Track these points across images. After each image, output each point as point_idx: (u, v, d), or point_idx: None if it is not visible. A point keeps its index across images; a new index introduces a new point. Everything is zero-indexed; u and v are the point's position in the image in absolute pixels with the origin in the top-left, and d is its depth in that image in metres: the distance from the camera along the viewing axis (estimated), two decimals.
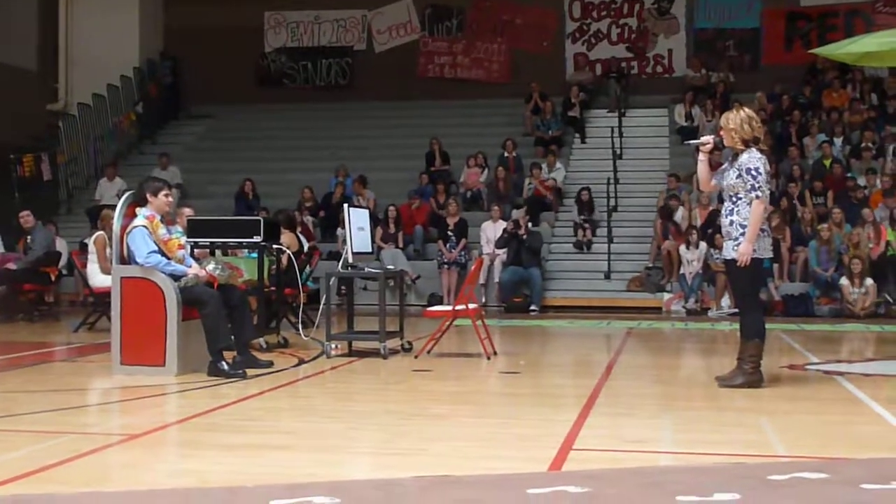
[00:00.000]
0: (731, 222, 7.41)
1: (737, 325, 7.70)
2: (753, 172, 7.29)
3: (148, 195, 8.23)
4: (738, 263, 7.33)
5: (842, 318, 15.21)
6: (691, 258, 16.41)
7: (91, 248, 12.66)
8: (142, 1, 23.77)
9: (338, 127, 22.96)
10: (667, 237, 17.05)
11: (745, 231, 7.30)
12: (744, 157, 7.39)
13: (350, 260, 9.45)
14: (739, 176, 7.34)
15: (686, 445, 5.60)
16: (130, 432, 5.81)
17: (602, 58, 23.28)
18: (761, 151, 7.45)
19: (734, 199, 7.40)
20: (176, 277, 8.06)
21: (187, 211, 10.66)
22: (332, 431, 5.98)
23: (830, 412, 6.73)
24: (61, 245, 16.77)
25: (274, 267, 10.58)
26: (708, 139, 7.72)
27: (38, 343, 11.41)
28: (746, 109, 7.66)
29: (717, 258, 14.90)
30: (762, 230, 7.38)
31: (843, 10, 22.32)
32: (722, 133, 7.56)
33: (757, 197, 7.27)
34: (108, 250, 11.99)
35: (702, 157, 7.74)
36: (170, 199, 8.38)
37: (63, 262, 16.20)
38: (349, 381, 8.36)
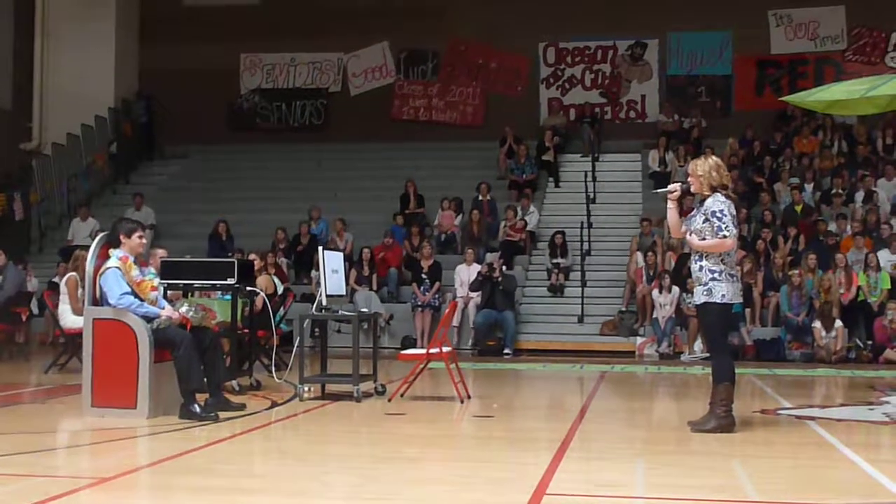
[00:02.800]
0: (701, 267, 7.48)
1: (709, 370, 7.74)
2: (718, 214, 7.38)
3: (121, 236, 8.21)
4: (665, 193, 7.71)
5: (813, 362, 15.29)
6: (664, 302, 16.48)
7: (63, 288, 12.59)
8: (117, 41, 23.79)
9: (312, 168, 23.00)
10: (650, 282, 17.01)
11: (714, 276, 7.37)
12: (708, 202, 7.49)
13: (324, 302, 9.44)
14: (706, 220, 7.43)
15: (658, 490, 5.60)
16: (101, 475, 5.76)
17: (576, 103, 23.46)
18: (727, 196, 7.54)
19: None
20: (149, 319, 8.03)
21: (161, 252, 10.64)
22: (304, 475, 5.95)
23: (802, 457, 6.76)
24: (33, 285, 16.66)
25: (247, 309, 10.55)
26: (675, 187, 7.83)
27: (7, 384, 11.31)
28: (714, 157, 7.80)
29: (690, 303, 14.97)
30: (732, 275, 7.44)
31: (812, 57, 22.62)
32: (690, 180, 7.65)
33: (724, 237, 7.35)
34: (79, 291, 11.94)
35: (671, 204, 7.84)
36: (143, 240, 8.36)
37: (34, 301, 16.09)
38: (322, 424, 8.33)
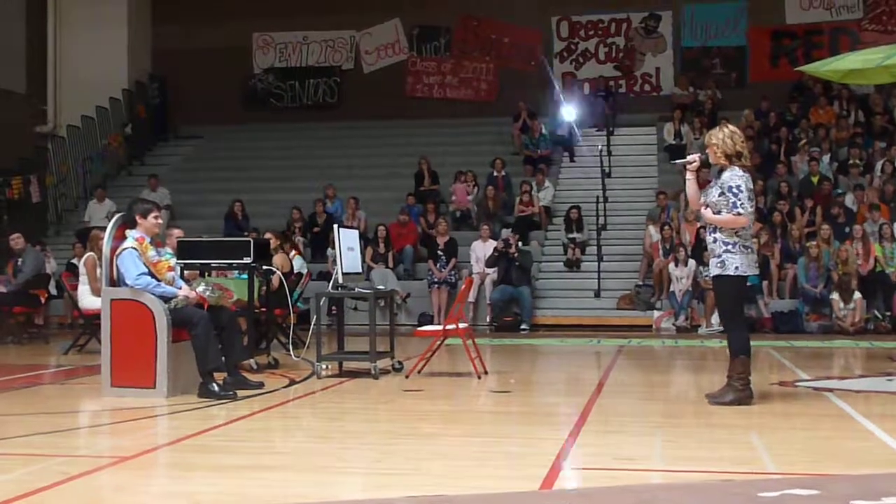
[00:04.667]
0: (715, 239, 7.45)
1: (727, 342, 7.71)
2: (735, 190, 7.33)
3: (137, 217, 8.22)
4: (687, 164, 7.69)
5: (831, 334, 15.25)
6: (680, 275, 16.44)
7: (81, 269, 12.66)
8: (130, 22, 23.80)
9: (326, 147, 23.01)
10: (667, 255, 16.94)
11: (727, 248, 7.33)
12: (725, 175, 7.43)
13: (340, 280, 9.45)
14: (722, 193, 7.38)
15: (677, 463, 5.60)
16: (121, 454, 5.80)
17: (590, 77, 23.37)
18: (745, 168, 7.48)
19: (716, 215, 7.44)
20: (166, 299, 8.05)
21: (177, 232, 10.66)
22: (323, 452, 5.97)
23: (820, 428, 6.75)
24: (51, 266, 16.72)
25: (264, 288, 10.58)
26: (694, 157, 7.76)
27: (27, 366, 11.37)
28: (730, 126, 7.73)
29: (706, 275, 14.93)
30: (746, 247, 7.40)
31: (828, 27, 22.45)
32: (708, 150, 7.60)
33: (738, 214, 7.31)
34: (98, 270, 12.00)
35: (689, 175, 7.77)
36: (159, 220, 8.37)
37: (52, 283, 16.15)
38: (340, 401, 8.35)
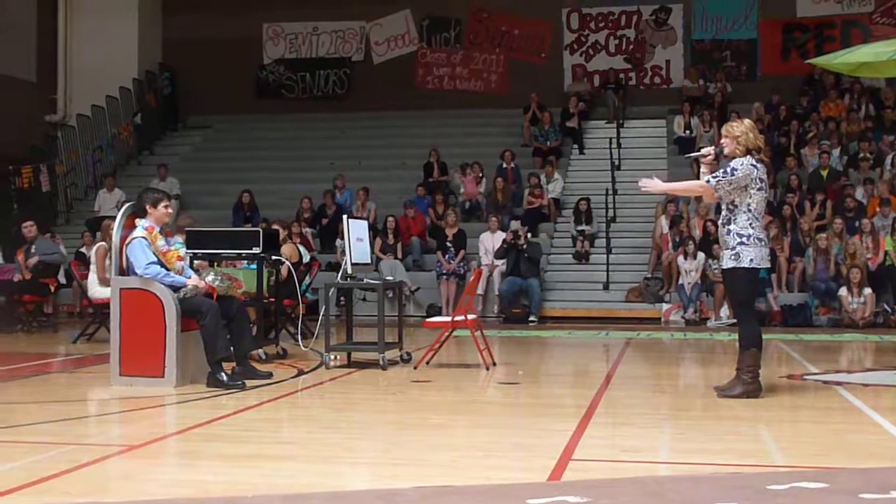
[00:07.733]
0: (729, 231, 7.41)
1: (735, 336, 7.69)
2: (729, 169, 7.32)
3: (147, 206, 8.24)
4: (641, 188, 7.70)
5: (840, 327, 15.21)
6: (689, 268, 16.42)
7: (91, 258, 12.68)
8: (141, 12, 23.82)
9: (336, 138, 23.01)
10: (676, 248, 16.93)
11: (742, 240, 7.31)
12: (734, 161, 7.39)
13: (349, 271, 9.46)
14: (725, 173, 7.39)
15: (685, 455, 5.60)
16: (129, 443, 5.82)
17: (600, 69, 23.33)
18: (761, 161, 7.45)
19: (731, 207, 7.40)
20: (175, 288, 8.07)
21: (187, 222, 10.67)
22: (331, 442, 5.98)
23: (829, 422, 6.74)
24: (61, 255, 16.75)
25: (273, 278, 10.59)
26: (709, 150, 7.75)
27: (36, 354, 11.40)
28: (747, 120, 7.70)
29: (716, 268, 14.92)
30: (759, 240, 7.37)
31: (839, 20, 22.38)
32: (723, 141, 7.55)
33: (707, 181, 7.36)
34: (107, 261, 12.02)
35: (704, 169, 7.75)
36: (169, 210, 8.39)
37: (62, 272, 16.19)
38: (348, 391, 8.36)
